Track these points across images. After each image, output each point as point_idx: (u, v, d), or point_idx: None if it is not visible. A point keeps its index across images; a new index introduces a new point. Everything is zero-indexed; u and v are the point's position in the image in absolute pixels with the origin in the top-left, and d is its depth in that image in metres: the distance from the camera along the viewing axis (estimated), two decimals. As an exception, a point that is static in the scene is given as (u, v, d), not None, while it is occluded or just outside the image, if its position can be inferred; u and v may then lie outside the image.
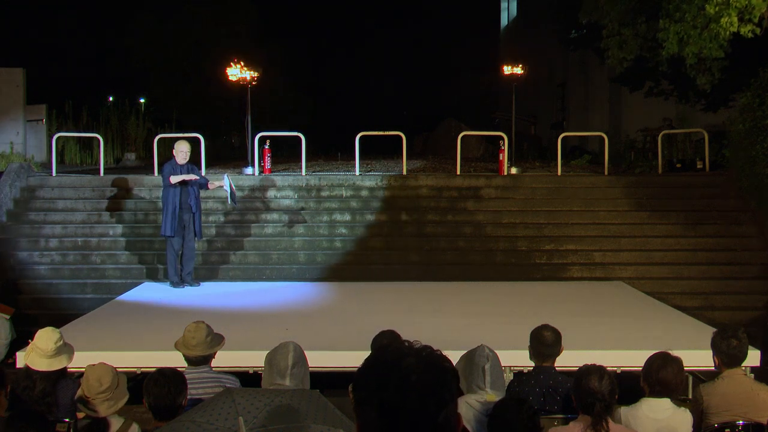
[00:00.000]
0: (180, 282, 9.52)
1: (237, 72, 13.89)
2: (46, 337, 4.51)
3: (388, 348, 1.75)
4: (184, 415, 2.75)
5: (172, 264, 9.48)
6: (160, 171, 10.05)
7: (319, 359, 5.49)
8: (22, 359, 5.42)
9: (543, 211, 11.90)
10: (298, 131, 13.71)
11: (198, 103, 23.00)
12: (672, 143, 14.61)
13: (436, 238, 11.39)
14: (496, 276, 10.61)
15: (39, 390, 4.43)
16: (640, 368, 4.37)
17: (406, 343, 1.74)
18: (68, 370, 5.31)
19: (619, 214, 11.85)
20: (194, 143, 16.17)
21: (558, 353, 4.69)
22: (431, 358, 1.68)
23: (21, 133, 14.31)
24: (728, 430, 4.42)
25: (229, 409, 2.58)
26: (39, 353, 4.51)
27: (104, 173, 13.09)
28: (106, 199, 12.13)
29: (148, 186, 12.42)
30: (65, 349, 4.60)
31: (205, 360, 4.72)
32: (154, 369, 5.36)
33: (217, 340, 4.80)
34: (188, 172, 9.40)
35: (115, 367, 4.24)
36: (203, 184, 9.63)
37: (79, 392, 4.13)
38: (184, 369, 4.53)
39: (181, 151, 9.40)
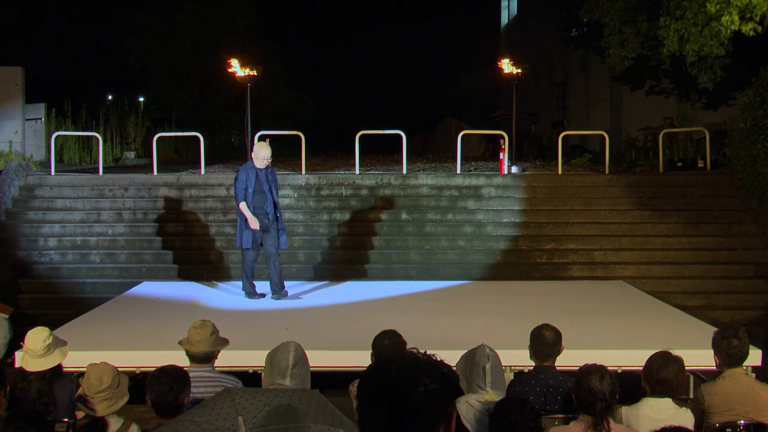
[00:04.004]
0: (255, 293, 8.80)
1: (237, 70, 13.87)
2: (35, 338, 4.49)
3: (395, 357, 1.81)
4: (184, 415, 2.73)
5: (246, 275, 8.78)
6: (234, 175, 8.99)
7: (319, 359, 5.47)
8: (19, 359, 5.40)
9: (543, 210, 11.88)
10: (297, 130, 13.69)
11: (197, 101, 22.97)
12: (673, 142, 14.58)
13: (437, 238, 11.37)
14: (496, 275, 10.60)
15: (35, 390, 4.41)
16: (641, 368, 4.35)
17: (414, 350, 1.84)
18: (69, 369, 5.30)
19: (619, 213, 11.83)
20: (194, 142, 16.23)
21: (558, 353, 4.67)
22: (437, 367, 1.78)
23: (20, 131, 14.30)
24: (729, 429, 4.40)
25: (228, 408, 2.57)
26: (30, 354, 4.49)
27: (103, 172, 13.07)
28: (106, 198, 12.12)
29: (148, 185, 12.40)
30: (56, 347, 4.56)
31: (208, 358, 4.71)
32: (153, 369, 5.35)
33: (221, 340, 4.80)
34: (266, 177, 8.61)
35: (116, 367, 4.22)
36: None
37: (79, 391, 4.12)
38: (186, 368, 4.51)
39: (263, 158, 8.53)
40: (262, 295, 8.82)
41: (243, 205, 8.55)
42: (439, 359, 1.80)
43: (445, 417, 1.74)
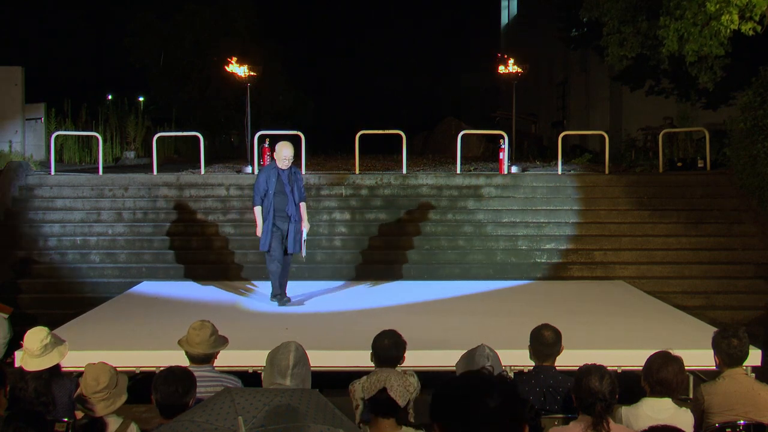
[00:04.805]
0: (283, 297, 8.56)
1: (237, 70, 13.88)
2: (32, 338, 4.49)
3: (466, 375, 2.02)
4: (184, 415, 2.73)
5: (274, 278, 8.52)
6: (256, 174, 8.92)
7: (319, 359, 5.47)
8: (18, 359, 5.41)
9: (543, 210, 11.88)
10: (297, 130, 13.69)
11: (197, 101, 22.97)
12: (673, 142, 14.58)
13: (437, 237, 11.37)
14: (496, 275, 10.60)
15: (32, 389, 4.40)
16: (641, 368, 4.34)
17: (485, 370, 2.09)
18: (69, 369, 5.30)
19: (619, 213, 11.83)
20: (194, 142, 16.22)
21: (558, 353, 4.67)
22: (505, 385, 1.94)
23: (20, 131, 14.29)
24: (729, 429, 4.40)
25: (228, 408, 2.56)
26: (28, 353, 4.49)
27: (103, 172, 13.07)
28: (105, 198, 12.12)
29: (148, 185, 12.40)
30: (54, 346, 4.54)
31: (207, 359, 4.70)
32: (153, 369, 5.35)
33: (220, 341, 4.78)
34: (288, 177, 8.37)
35: (114, 367, 4.21)
36: (302, 197, 8.63)
37: (78, 391, 4.11)
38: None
39: (285, 158, 8.28)
40: (289, 300, 8.59)
41: (256, 210, 8.39)
42: (509, 378, 2.01)
43: (517, 429, 1.87)
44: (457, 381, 1.99)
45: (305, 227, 8.62)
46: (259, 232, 8.41)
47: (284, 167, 8.34)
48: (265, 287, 9.11)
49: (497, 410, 1.84)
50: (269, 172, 8.37)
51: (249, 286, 9.76)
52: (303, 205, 8.61)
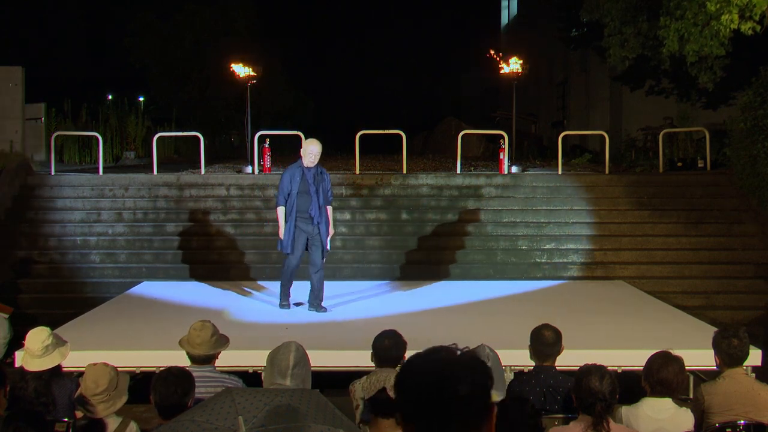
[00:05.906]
0: (288, 305, 8.28)
1: (237, 69, 13.89)
2: (34, 338, 4.48)
3: (432, 355, 1.82)
4: (184, 415, 2.72)
5: (283, 283, 8.24)
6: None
7: (319, 359, 5.47)
8: (19, 359, 5.41)
9: (543, 210, 11.88)
10: (297, 130, 13.69)
11: (197, 101, 22.98)
12: (673, 142, 14.58)
13: (437, 237, 11.37)
14: (496, 275, 10.60)
15: (31, 389, 4.39)
16: (641, 368, 4.35)
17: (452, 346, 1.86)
18: (69, 369, 5.30)
19: (619, 213, 11.83)
20: (194, 142, 16.24)
21: (558, 353, 4.67)
22: (473, 365, 1.80)
23: (20, 131, 14.27)
24: (729, 429, 4.40)
25: (228, 408, 2.56)
26: (29, 353, 4.49)
27: (103, 172, 13.07)
28: (106, 198, 12.12)
29: (148, 185, 12.40)
30: (55, 347, 4.53)
31: (209, 359, 4.70)
32: (153, 369, 5.35)
33: (222, 341, 4.78)
34: (314, 177, 8.02)
35: (116, 367, 4.20)
36: (329, 200, 8.26)
37: (79, 391, 4.11)
38: (187, 368, 4.50)
39: (311, 153, 7.96)
40: (298, 304, 8.37)
41: (279, 211, 8.06)
42: (473, 355, 1.81)
43: (487, 414, 1.76)
44: (420, 365, 1.76)
45: (329, 232, 8.34)
46: (281, 233, 8.11)
47: (310, 164, 8.01)
48: (265, 287, 9.09)
49: (468, 396, 1.69)
50: (294, 171, 7.99)
51: (249, 286, 9.75)
52: (329, 209, 8.28)
